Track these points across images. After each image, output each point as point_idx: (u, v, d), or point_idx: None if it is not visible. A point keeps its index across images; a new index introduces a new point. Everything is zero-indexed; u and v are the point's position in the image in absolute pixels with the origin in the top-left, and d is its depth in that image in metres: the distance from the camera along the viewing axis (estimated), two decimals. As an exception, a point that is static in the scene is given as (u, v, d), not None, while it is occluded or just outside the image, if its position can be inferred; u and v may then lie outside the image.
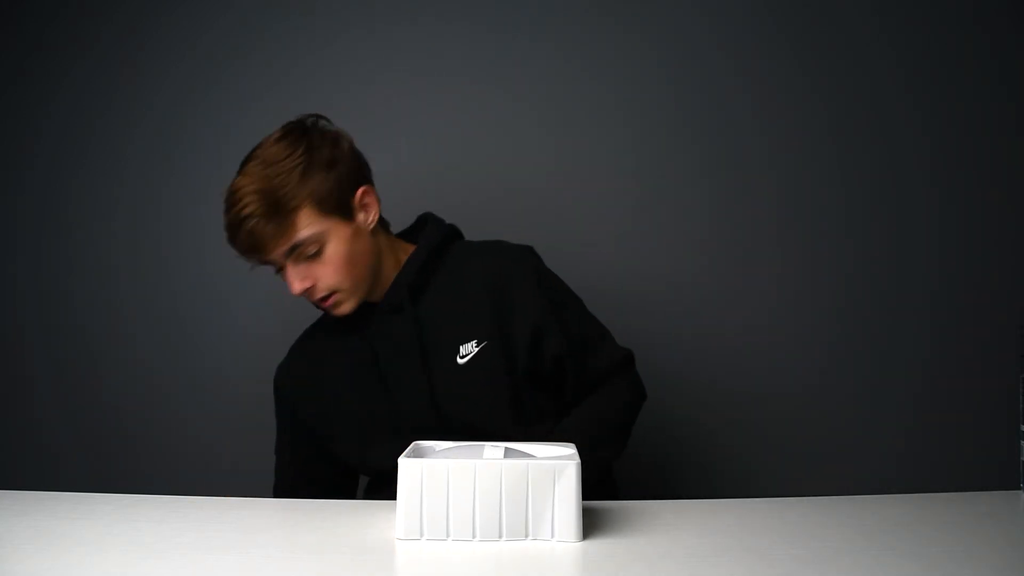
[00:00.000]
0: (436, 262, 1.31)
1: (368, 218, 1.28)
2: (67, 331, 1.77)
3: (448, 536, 0.86)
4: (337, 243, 1.24)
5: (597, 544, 0.87)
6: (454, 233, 1.36)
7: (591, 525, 0.91)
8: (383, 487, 1.29)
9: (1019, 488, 1.07)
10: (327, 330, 1.36)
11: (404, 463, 0.87)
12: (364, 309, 1.29)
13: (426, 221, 1.37)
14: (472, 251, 1.34)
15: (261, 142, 1.24)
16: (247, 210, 1.19)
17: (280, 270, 1.26)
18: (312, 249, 1.22)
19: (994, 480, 1.15)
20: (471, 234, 1.39)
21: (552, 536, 0.87)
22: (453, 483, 0.86)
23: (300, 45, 1.74)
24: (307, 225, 1.21)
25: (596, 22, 1.72)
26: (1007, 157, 1.69)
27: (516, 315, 1.26)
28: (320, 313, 1.38)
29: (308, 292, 1.24)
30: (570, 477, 0.86)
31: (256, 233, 1.19)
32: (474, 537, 0.86)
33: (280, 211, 1.19)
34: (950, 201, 1.69)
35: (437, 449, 0.96)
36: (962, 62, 1.70)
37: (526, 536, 0.87)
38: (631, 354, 1.34)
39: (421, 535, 0.86)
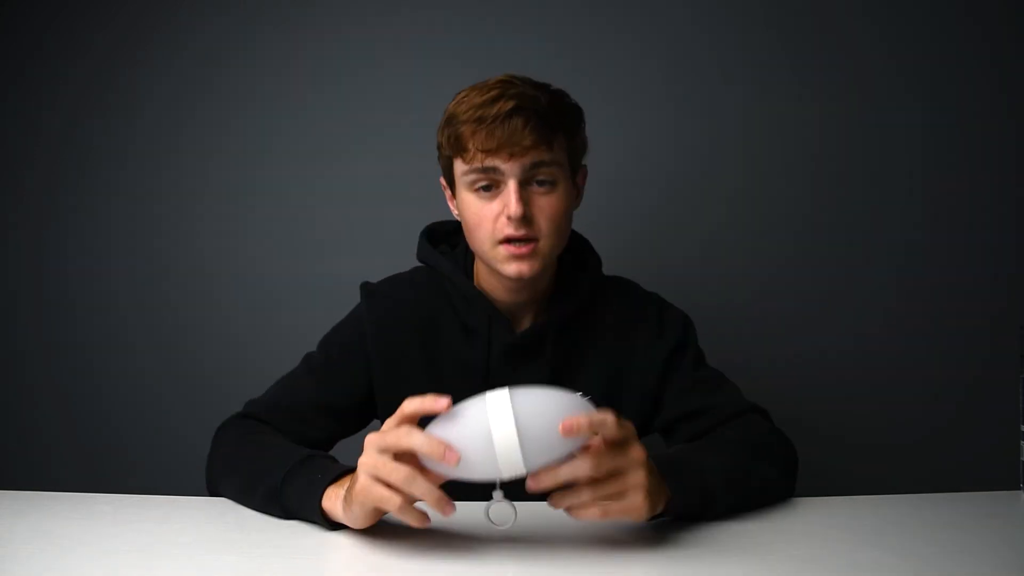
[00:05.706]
0: (581, 298, 1.17)
1: (579, 200, 1.18)
2: (66, 331, 1.77)
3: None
4: (565, 191, 1.11)
5: (602, 545, 0.87)
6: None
7: (592, 526, 0.91)
8: None
9: (1019, 488, 1.07)
10: (450, 304, 1.18)
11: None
12: (495, 320, 1.14)
13: (583, 248, 1.22)
14: (606, 288, 1.21)
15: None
16: (522, 101, 1.05)
17: (489, 187, 1.08)
18: (549, 176, 1.08)
19: (994, 480, 1.15)
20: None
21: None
22: None
23: (299, 44, 1.74)
24: (559, 149, 1.09)
25: (599, 20, 1.72)
26: (1009, 156, 1.69)
27: (634, 372, 1.16)
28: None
29: (519, 224, 1.06)
30: None
31: (519, 128, 1.04)
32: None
33: (550, 119, 1.07)
34: (950, 200, 1.69)
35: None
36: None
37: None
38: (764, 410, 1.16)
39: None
